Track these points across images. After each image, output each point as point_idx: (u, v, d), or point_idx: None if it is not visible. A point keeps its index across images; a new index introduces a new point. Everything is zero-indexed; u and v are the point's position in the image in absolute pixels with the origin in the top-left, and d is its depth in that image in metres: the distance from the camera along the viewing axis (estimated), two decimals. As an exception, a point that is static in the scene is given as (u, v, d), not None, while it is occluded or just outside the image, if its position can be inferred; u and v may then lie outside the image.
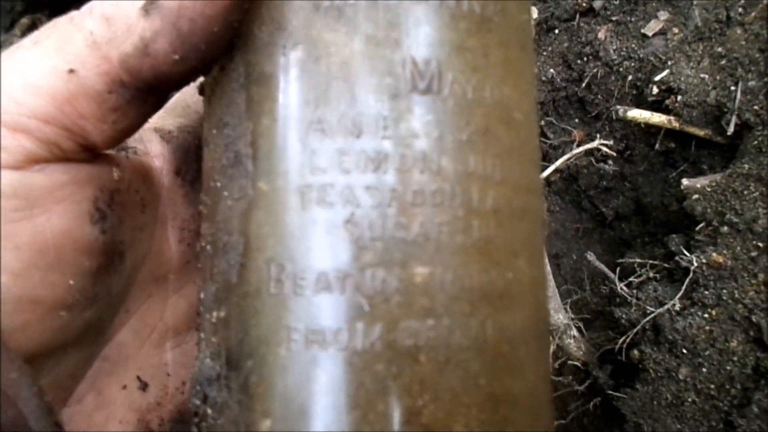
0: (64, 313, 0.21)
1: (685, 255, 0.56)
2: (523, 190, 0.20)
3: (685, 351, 0.53)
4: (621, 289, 0.59)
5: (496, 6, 0.19)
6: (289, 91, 0.19)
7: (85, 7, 0.20)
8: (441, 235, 0.18)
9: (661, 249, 0.63)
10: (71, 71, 0.19)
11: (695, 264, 0.54)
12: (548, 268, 0.63)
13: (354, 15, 0.18)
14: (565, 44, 0.73)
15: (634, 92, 0.68)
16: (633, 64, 0.67)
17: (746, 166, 0.55)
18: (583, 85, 0.71)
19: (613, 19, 0.70)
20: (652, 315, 0.55)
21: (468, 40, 0.19)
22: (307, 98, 0.18)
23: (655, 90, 0.64)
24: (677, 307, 0.54)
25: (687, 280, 0.54)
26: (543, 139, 0.75)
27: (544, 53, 0.75)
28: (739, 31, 0.62)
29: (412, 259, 0.18)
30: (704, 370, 0.52)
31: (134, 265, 0.24)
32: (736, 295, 0.52)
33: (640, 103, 0.67)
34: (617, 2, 0.70)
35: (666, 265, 0.60)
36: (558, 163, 0.67)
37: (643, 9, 0.68)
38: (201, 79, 0.22)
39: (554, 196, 0.76)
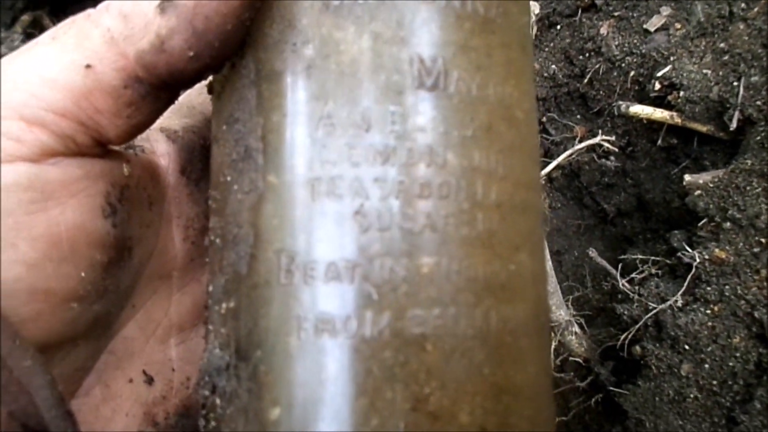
0: (75, 305, 0.21)
1: (687, 251, 0.56)
2: (524, 186, 0.20)
3: (687, 347, 0.53)
4: (623, 285, 0.59)
5: (499, 8, 0.20)
6: (300, 87, 0.19)
7: (102, 5, 0.20)
8: (447, 227, 0.19)
9: (663, 245, 0.63)
10: (88, 66, 0.20)
11: (697, 260, 0.54)
12: (550, 264, 0.63)
13: (363, 14, 0.19)
14: (567, 40, 0.73)
15: (637, 88, 0.68)
16: (635, 60, 0.67)
17: (749, 161, 0.55)
18: (585, 80, 0.71)
19: (615, 14, 0.70)
20: (654, 311, 0.55)
21: (472, 40, 0.20)
22: (316, 94, 0.19)
23: (658, 86, 0.64)
24: (679, 303, 0.54)
25: (689, 276, 0.54)
26: (545, 135, 0.75)
27: (546, 49, 0.75)
28: (741, 26, 0.62)
29: (418, 249, 0.18)
30: (706, 366, 0.52)
31: (141, 262, 0.25)
32: (739, 291, 0.52)
33: (643, 98, 0.67)
34: (619, -2, 0.70)
35: (668, 261, 0.60)
36: (560, 159, 0.67)
37: (646, 4, 0.68)
38: (209, 78, 0.23)
39: (556, 192, 0.76)
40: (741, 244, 0.53)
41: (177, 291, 0.27)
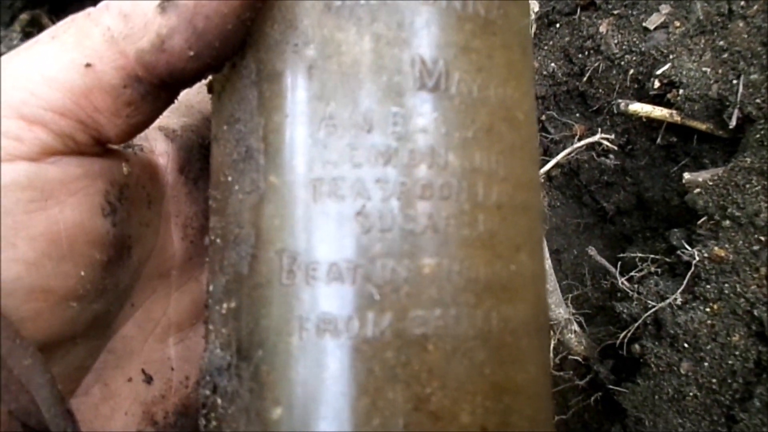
0: (74, 303, 0.21)
1: (687, 249, 0.56)
2: (525, 187, 0.21)
3: (686, 345, 0.53)
4: (622, 283, 0.59)
5: (500, 9, 0.20)
6: (301, 87, 0.19)
7: (102, 4, 0.20)
8: (448, 228, 0.19)
9: (662, 244, 0.63)
10: (88, 65, 0.20)
11: (697, 258, 0.54)
12: (549, 262, 0.63)
13: (364, 15, 0.19)
14: (567, 38, 0.73)
15: (636, 86, 0.68)
16: (634, 58, 0.67)
17: (748, 159, 0.55)
18: (585, 79, 0.71)
19: (615, 12, 0.70)
20: (654, 309, 0.55)
21: (473, 42, 0.20)
22: (318, 95, 0.19)
23: (657, 84, 0.64)
24: (679, 302, 0.54)
25: (688, 274, 0.54)
26: (544, 133, 0.75)
27: (545, 48, 0.75)
28: (741, 24, 0.62)
29: (420, 250, 0.18)
30: (706, 364, 0.52)
31: (140, 260, 0.25)
32: (738, 290, 0.52)
33: (642, 97, 0.67)
34: (619, -4, 0.70)
35: (667, 259, 0.60)
36: (559, 157, 0.67)
37: (645, 2, 0.68)
38: (209, 77, 0.22)
39: (555, 191, 0.76)
40: (740, 242, 0.53)
41: (176, 290, 0.27)
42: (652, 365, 0.54)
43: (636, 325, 0.56)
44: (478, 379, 0.18)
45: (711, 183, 0.57)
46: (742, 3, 0.62)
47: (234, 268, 0.20)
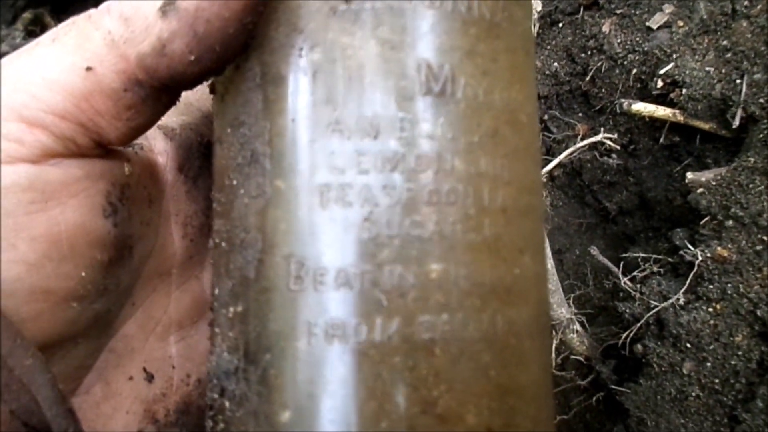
0: (75, 304, 0.21)
1: (690, 249, 0.56)
2: (528, 190, 0.21)
3: (689, 345, 0.53)
4: (624, 283, 0.59)
5: (504, 12, 0.20)
6: (307, 92, 0.19)
7: (103, 6, 0.20)
8: (455, 233, 0.19)
9: (665, 243, 0.63)
10: (89, 69, 0.20)
11: (700, 258, 0.54)
12: (551, 262, 0.63)
13: (369, 19, 0.19)
14: (569, 38, 0.73)
15: (639, 86, 0.68)
16: (637, 58, 0.67)
17: (752, 159, 0.55)
18: (587, 78, 0.71)
19: (618, 12, 0.70)
20: (656, 309, 0.55)
21: (478, 45, 0.20)
22: (324, 99, 0.19)
23: (660, 83, 0.64)
24: (681, 302, 0.54)
25: (691, 274, 0.54)
26: (546, 133, 0.75)
27: (548, 47, 0.75)
28: (744, 23, 0.61)
29: (427, 256, 0.19)
30: (708, 364, 0.52)
31: (141, 260, 0.25)
32: (741, 290, 0.52)
33: (645, 96, 0.67)
34: (622, -5, 0.69)
35: (670, 259, 0.59)
36: (561, 157, 0.67)
37: (648, 2, 0.68)
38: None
39: (557, 190, 0.76)
40: (744, 242, 0.53)
41: (176, 288, 0.27)
42: (655, 365, 0.54)
43: (638, 325, 0.56)
44: (483, 381, 0.19)
45: (714, 183, 0.57)
46: (746, 2, 0.61)
47: (240, 272, 0.20)
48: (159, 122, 0.27)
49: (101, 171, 0.22)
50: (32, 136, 0.20)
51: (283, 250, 0.19)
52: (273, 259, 0.19)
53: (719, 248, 0.54)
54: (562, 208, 0.75)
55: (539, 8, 0.73)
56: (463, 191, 0.19)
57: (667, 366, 0.54)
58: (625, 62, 0.68)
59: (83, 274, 0.21)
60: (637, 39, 0.67)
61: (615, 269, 0.62)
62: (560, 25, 0.74)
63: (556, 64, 0.74)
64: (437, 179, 0.19)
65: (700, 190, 0.57)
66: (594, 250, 0.65)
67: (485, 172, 0.19)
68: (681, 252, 0.57)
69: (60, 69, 0.20)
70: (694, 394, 0.52)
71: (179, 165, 0.27)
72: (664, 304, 0.55)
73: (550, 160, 0.68)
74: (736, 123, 0.59)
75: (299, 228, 0.19)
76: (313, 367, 0.18)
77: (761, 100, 0.58)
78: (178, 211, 0.27)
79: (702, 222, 0.57)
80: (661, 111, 0.64)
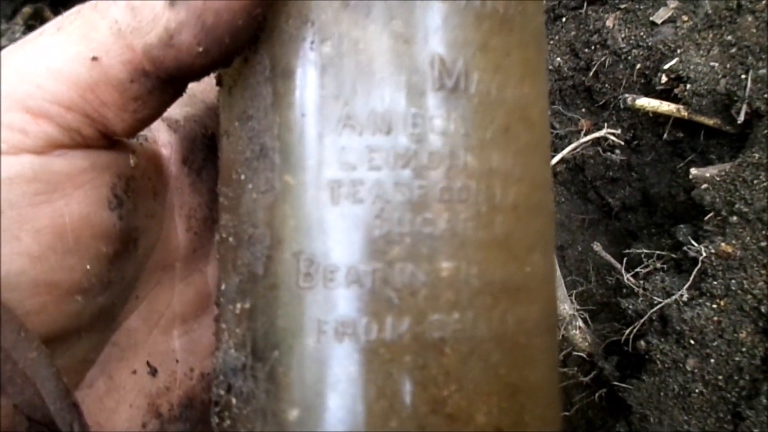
0: (79, 297, 0.21)
1: (693, 245, 0.55)
2: (539, 187, 0.21)
3: (692, 342, 0.53)
4: (628, 279, 0.59)
5: (517, 7, 0.20)
6: (317, 86, 0.19)
7: None
8: (466, 231, 0.19)
9: (668, 240, 0.63)
10: (95, 59, 0.19)
11: (703, 254, 0.54)
12: (554, 259, 0.63)
13: (382, 12, 0.19)
14: (573, 32, 0.73)
15: (643, 81, 0.67)
16: (641, 53, 0.67)
17: (756, 155, 0.55)
18: (591, 73, 0.70)
19: (622, 6, 0.69)
20: (660, 305, 0.55)
21: (491, 40, 0.19)
22: (335, 94, 0.19)
23: (664, 79, 0.64)
24: (685, 298, 0.54)
25: (695, 270, 0.54)
26: (550, 128, 0.74)
27: (552, 42, 0.74)
28: (749, 18, 0.61)
29: (438, 253, 0.18)
30: (712, 361, 0.52)
31: (145, 253, 0.25)
32: (745, 286, 0.52)
33: (649, 92, 0.66)
34: (626, -10, 0.69)
35: (673, 255, 0.59)
36: (564, 152, 0.67)
37: (652, -3, 0.67)
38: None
39: (560, 186, 0.75)
40: (748, 238, 0.53)
41: (180, 282, 0.27)
42: (658, 362, 0.54)
43: (642, 321, 0.56)
44: (493, 380, 0.19)
45: (718, 178, 0.56)
46: (751, -3, 0.61)
47: (248, 268, 0.20)
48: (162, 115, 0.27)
49: (107, 162, 0.22)
50: (37, 126, 0.20)
51: (293, 247, 0.19)
52: (282, 256, 0.19)
53: (723, 244, 0.54)
54: (565, 204, 0.75)
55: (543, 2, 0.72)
56: (476, 188, 0.19)
57: (670, 362, 0.53)
58: (629, 57, 0.67)
59: (88, 266, 0.21)
60: (641, 34, 0.67)
61: (618, 265, 0.62)
62: (564, 19, 0.74)
63: (559, 59, 0.73)
64: (449, 176, 0.18)
65: (704, 185, 0.57)
66: (597, 246, 0.65)
67: (497, 169, 0.19)
68: (684, 248, 0.57)
69: (65, 59, 0.19)
70: (697, 390, 0.52)
71: (183, 157, 0.27)
72: (668, 300, 0.54)
73: (553, 156, 0.68)
74: (741, 118, 0.58)
75: (309, 224, 0.19)
76: (321, 365, 0.18)
77: (766, 96, 0.58)
78: (182, 204, 0.27)
79: (706, 218, 0.57)
80: (665, 106, 0.64)
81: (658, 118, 0.67)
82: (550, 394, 0.21)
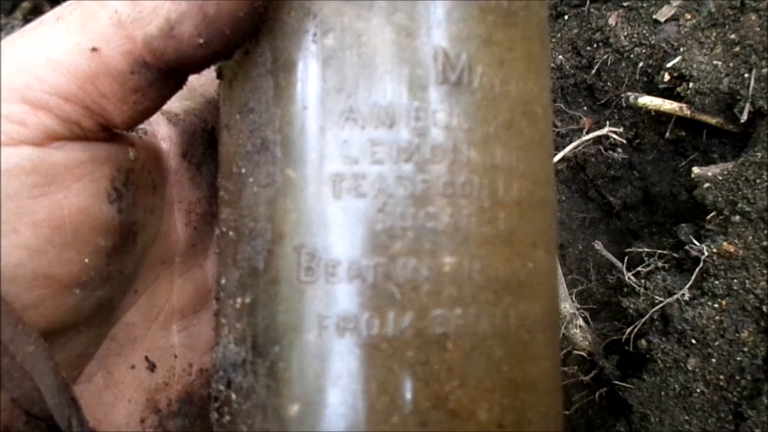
0: (77, 291, 0.21)
1: (695, 244, 0.55)
2: (542, 182, 0.20)
3: (694, 341, 0.52)
4: (629, 278, 0.59)
5: (521, 1, 0.20)
6: (319, 79, 0.19)
7: None
8: (469, 226, 0.18)
9: (670, 239, 0.63)
10: (94, 49, 0.19)
11: (705, 253, 0.53)
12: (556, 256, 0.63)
13: (385, 5, 0.18)
14: (575, 30, 0.72)
15: (645, 79, 0.67)
16: (644, 51, 0.66)
17: (759, 154, 0.55)
18: (593, 71, 0.70)
19: (625, 4, 0.69)
20: (661, 305, 0.54)
21: (495, 34, 0.19)
22: (337, 87, 0.18)
23: (667, 77, 0.63)
24: (686, 297, 0.54)
25: (696, 269, 0.54)
26: (552, 124, 0.74)
27: (554, 39, 0.74)
28: (753, 17, 0.61)
29: (441, 248, 0.18)
30: (714, 360, 0.51)
31: (144, 247, 0.25)
32: (747, 285, 0.52)
33: (651, 90, 0.66)
34: (629, -12, 0.69)
35: (675, 254, 0.59)
36: (566, 150, 0.67)
37: (655, -5, 0.67)
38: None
39: (561, 185, 0.75)
40: (750, 237, 0.53)
41: (179, 277, 0.27)
42: (659, 361, 0.54)
43: (643, 320, 0.56)
44: (495, 377, 0.18)
45: (720, 178, 0.56)
46: (755, -5, 0.61)
47: (249, 263, 0.20)
48: (162, 107, 0.27)
49: (106, 155, 0.21)
50: (35, 118, 0.19)
51: (294, 241, 0.18)
52: (283, 250, 0.19)
53: (725, 243, 0.53)
54: (566, 203, 0.75)
55: None
56: (479, 183, 0.18)
57: (671, 362, 0.53)
58: (632, 55, 0.67)
59: (86, 260, 0.21)
60: (644, 32, 0.67)
61: (619, 264, 0.61)
62: (566, 17, 0.74)
63: (561, 56, 0.73)
64: (452, 171, 0.18)
65: (707, 184, 0.57)
66: (598, 245, 0.65)
67: (500, 164, 0.19)
68: (686, 247, 0.57)
69: (64, 49, 0.19)
70: (698, 390, 0.52)
71: (183, 151, 0.26)
72: (669, 299, 0.54)
73: (555, 154, 0.67)
74: (744, 117, 0.58)
75: (311, 218, 0.18)
76: (322, 361, 0.18)
77: (769, 95, 0.57)
78: (181, 198, 0.26)
79: (708, 217, 0.56)
80: (668, 105, 0.64)
81: (661, 117, 0.66)
82: (553, 392, 0.21)
